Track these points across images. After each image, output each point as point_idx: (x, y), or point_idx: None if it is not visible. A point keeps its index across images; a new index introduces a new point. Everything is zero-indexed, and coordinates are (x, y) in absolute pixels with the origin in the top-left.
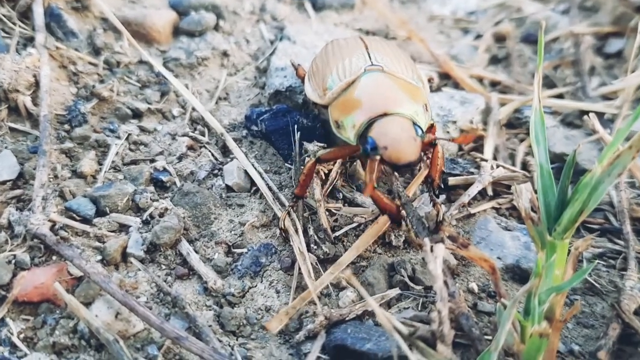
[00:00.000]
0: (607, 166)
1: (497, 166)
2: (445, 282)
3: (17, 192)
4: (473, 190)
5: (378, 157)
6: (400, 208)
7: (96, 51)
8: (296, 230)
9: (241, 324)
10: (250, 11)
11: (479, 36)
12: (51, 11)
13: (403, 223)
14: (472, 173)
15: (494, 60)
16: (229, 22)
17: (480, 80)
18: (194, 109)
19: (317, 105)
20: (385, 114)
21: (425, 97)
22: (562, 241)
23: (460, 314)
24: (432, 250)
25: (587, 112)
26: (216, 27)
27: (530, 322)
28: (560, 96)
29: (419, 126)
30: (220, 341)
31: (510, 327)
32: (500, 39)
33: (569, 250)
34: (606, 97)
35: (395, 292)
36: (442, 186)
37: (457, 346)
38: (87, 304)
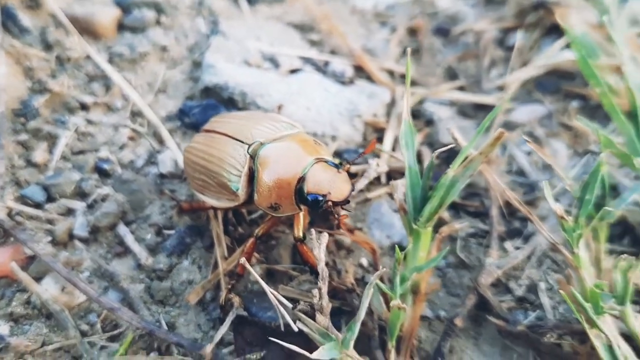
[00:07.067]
0: (460, 169)
1: (390, 156)
2: (334, 261)
3: None
4: (359, 185)
5: (330, 204)
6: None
7: (48, 47)
8: (215, 216)
9: (168, 294)
10: (189, 6)
11: (394, 30)
12: (7, 10)
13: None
14: None
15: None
16: (170, 17)
17: (391, 73)
18: (135, 102)
19: (237, 205)
20: (303, 176)
21: (308, 135)
22: (425, 229)
23: (344, 288)
24: (317, 238)
25: (480, 105)
26: (158, 22)
27: (393, 296)
28: (461, 88)
29: (331, 162)
30: (149, 309)
31: (381, 298)
32: (414, 32)
33: (436, 234)
34: (501, 89)
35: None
36: None
37: (343, 313)
38: (38, 279)
